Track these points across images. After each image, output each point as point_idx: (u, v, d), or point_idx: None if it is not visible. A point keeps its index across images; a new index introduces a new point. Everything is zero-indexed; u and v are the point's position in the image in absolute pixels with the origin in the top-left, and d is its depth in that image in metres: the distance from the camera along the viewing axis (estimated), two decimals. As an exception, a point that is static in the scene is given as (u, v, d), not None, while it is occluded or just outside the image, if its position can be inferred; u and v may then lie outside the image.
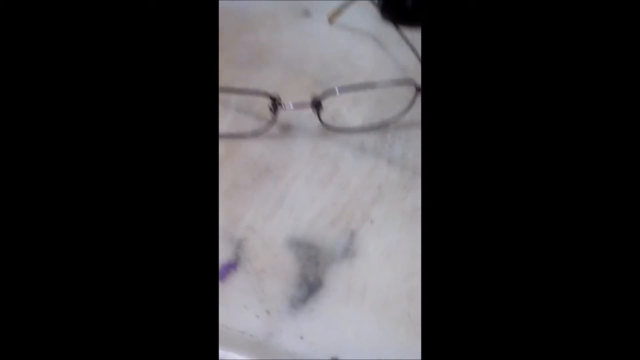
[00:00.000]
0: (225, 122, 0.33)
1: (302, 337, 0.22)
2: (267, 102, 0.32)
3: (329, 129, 0.32)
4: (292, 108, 0.31)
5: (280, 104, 0.31)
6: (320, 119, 0.32)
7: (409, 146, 0.32)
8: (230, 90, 0.33)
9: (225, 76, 0.38)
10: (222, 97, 0.35)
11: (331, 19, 0.45)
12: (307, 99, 0.32)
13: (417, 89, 0.32)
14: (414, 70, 0.39)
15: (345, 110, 0.35)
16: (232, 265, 0.25)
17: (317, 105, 0.31)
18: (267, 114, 0.32)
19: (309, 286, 0.24)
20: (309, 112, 0.32)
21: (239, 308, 0.23)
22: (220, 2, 0.41)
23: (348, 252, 0.26)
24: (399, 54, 0.41)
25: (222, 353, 0.22)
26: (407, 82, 0.32)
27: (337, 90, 0.31)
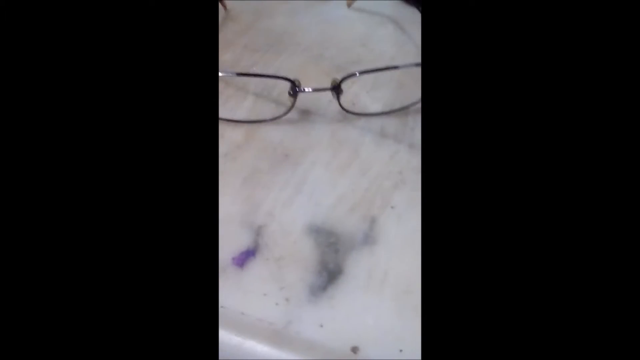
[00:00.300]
0: (244, 108, 0.33)
1: (321, 326, 0.22)
2: (286, 87, 0.31)
3: (348, 114, 0.32)
4: (311, 92, 0.30)
5: (299, 88, 0.30)
6: (340, 104, 0.31)
7: (431, 131, 0.31)
8: (249, 74, 0.32)
9: (244, 61, 0.37)
10: (240, 82, 0.34)
11: (349, 3, 0.44)
12: (328, 83, 0.31)
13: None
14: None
15: (365, 94, 0.34)
16: (251, 252, 0.24)
17: (337, 89, 0.30)
18: (286, 99, 0.32)
19: (329, 273, 0.24)
20: (328, 97, 0.32)
21: (258, 295, 0.23)
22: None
23: (368, 238, 0.25)
24: (419, 36, 0.40)
25: (240, 340, 0.22)
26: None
27: (357, 74, 0.30)
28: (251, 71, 0.36)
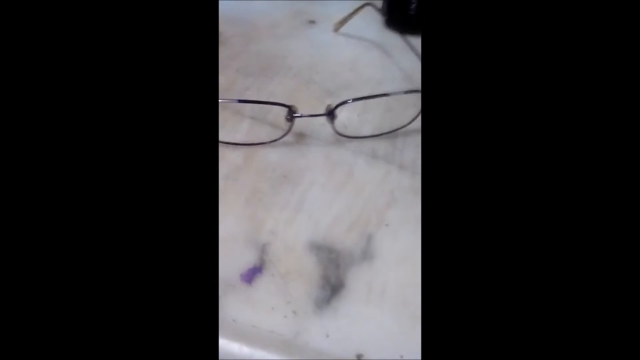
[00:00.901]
0: (242, 130, 0.34)
1: (328, 336, 0.24)
2: (280, 111, 0.33)
3: (341, 137, 0.34)
4: (307, 117, 0.32)
5: (296, 114, 0.32)
6: (334, 128, 0.33)
7: (418, 152, 0.33)
8: (250, 101, 0.34)
9: (238, 85, 0.39)
10: (237, 107, 0.36)
11: (335, 27, 0.47)
12: (319, 107, 0.33)
13: (426, 98, 0.33)
14: (420, 76, 0.40)
15: (356, 117, 0.36)
16: (258, 269, 0.26)
17: (331, 114, 0.32)
18: (281, 122, 0.34)
19: (332, 287, 0.25)
20: (322, 120, 0.34)
21: (267, 309, 0.24)
22: (226, 12, 0.42)
23: (366, 254, 0.27)
24: (404, 61, 0.43)
25: (252, 352, 0.23)
26: (416, 91, 0.33)
27: (350, 101, 0.32)
28: (246, 95, 0.38)
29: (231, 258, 0.26)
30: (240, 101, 0.32)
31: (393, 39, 0.46)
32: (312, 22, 0.49)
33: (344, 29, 0.47)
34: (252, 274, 0.26)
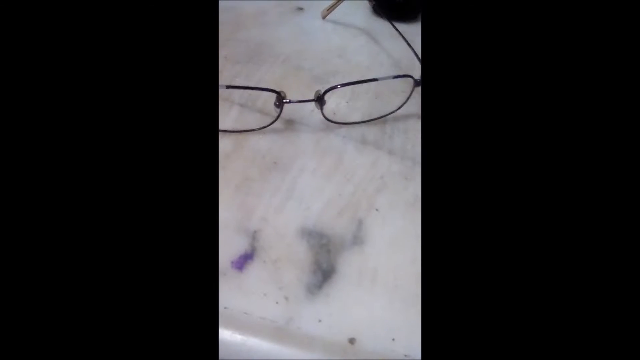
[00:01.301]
0: (231, 118, 0.34)
1: (320, 321, 0.24)
2: (269, 98, 0.33)
3: (330, 123, 0.34)
4: (296, 103, 0.32)
5: (285, 100, 0.32)
6: (323, 114, 0.33)
7: (408, 137, 0.34)
8: (239, 87, 0.34)
9: (226, 72, 0.39)
10: (226, 93, 0.36)
11: (324, 14, 0.46)
12: (308, 94, 0.33)
13: (416, 82, 0.33)
14: (408, 63, 0.40)
15: (345, 104, 0.36)
16: (249, 256, 0.26)
17: (320, 100, 0.32)
18: (270, 109, 0.34)
19: (323, 273, 0.25)
20: (311, 107, 0.34)
21: (259, 296, 0.24)
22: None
23: (357, 239, 0.27)
24: (392, 48, 0.43)
25: (244, 339, 0.23)
26: (405, 76, 0.33)
27: (339, 86, 0.32)
28: (235, 82, 0.37)
29: (222, 245, 0.26)
30: (229, 87, 0.32)
31: (381, 25, 0.46)
32: (300, 9, 0.48)
33: (332, 15, 0.47)
34: (243, 261, 0.26)
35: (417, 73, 0.34)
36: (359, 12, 0.48)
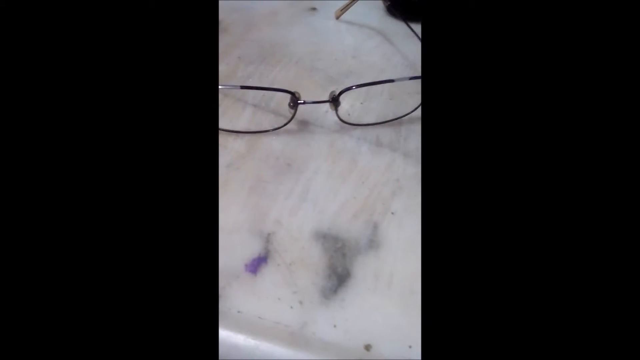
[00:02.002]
0: (245, 119, 0.34)
1: (335, 326, 0.23)
2: (283, 98, 0.33)
3: (345, 124, 0.33)
4: (311, 104, 0.32)
5: (299, 100, 0.31)
6: (337, 115, 0.32)
7: (423, 140, 0.33)
8: (253, 87, 0.33)
9: (240, 72, 0.39)
10: (239, 94, 0.35)
11: (337, 15, 0.46)
12: (323, 94, 0.33)
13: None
14: (423, 65, 0.40)
15: (359, 105, 0.35)
16: (263, 259, 0.26)
17: (335, 101, 0.32)
18: (284, 110, 0.33)
19: (338, 277, 0.25)
20: (325, 108, 0.33)
21: (273, 300, 0.24)
22: (226, 0, 0.42)
23: (373, 243, 0.27)
24: (406, 48, 0.42)
25: (257, 343, 0.23)
26: (421, 77, 0.33)
27: (354, 87, 0.32)
28: (248, 83, 0.37)
29: (235, 248, 0.26)
30: (243, 87, 0.31)
31: (395, 25, 0.45)
32: (313, 9, 0.48)
33: (346, 16, 0.46)
34: (257, 264, 0.25)
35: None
36: (372, 13, 0.48)
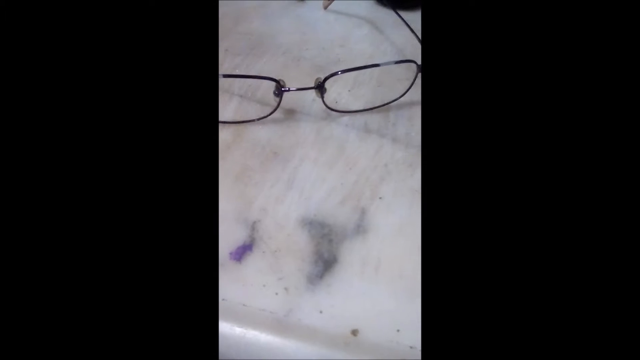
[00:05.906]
0: (230, 109, 0.33)
1: (321, 312, 0.23)
2: (269, 88, 0.32)
3: (332, 112, 0.33)
4: (296, 91, 0.31)
5: (284, 88, 0.31)
6: (324, 102, 0.32)
7: (412, 125, 0.33)
8: (235, 75, 0.33)
9: (227, 64, 0.38)
10: (225, 84, 0.35)
11: (325, 4, 0.45)
12: (309, 83, 0.32)
13: (419, 68, 0.32)
14: (412, 51, 0.39)
15: (347, 92, 0.35)
16: (248, 247, 0.25)
17: (320, 88, 0.31)
18: (270, 99, 0.33)
19: (325, 263, 0.25)
20: (312, 96, 0.33)
21: (258, 287, 0.23)
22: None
23: (360, 228, 0.26)
24: (395, 36, 0.42)
25: (243, 331, 0.22)
26: (408, 61, 0.32)
27: (339, 73, 0.31)
28: (234, 73, 0.37)
29: (221, 236, 0.25)
30: (226, 76, 0.31)
31: (384, 14, 0.45)
32: (302, 0, 0.47)
33: (335, 6, 0.46)
34: (241, 252, 0.25)
35: (420, 59, 0.33)
36: (361, 2, 0.47)
